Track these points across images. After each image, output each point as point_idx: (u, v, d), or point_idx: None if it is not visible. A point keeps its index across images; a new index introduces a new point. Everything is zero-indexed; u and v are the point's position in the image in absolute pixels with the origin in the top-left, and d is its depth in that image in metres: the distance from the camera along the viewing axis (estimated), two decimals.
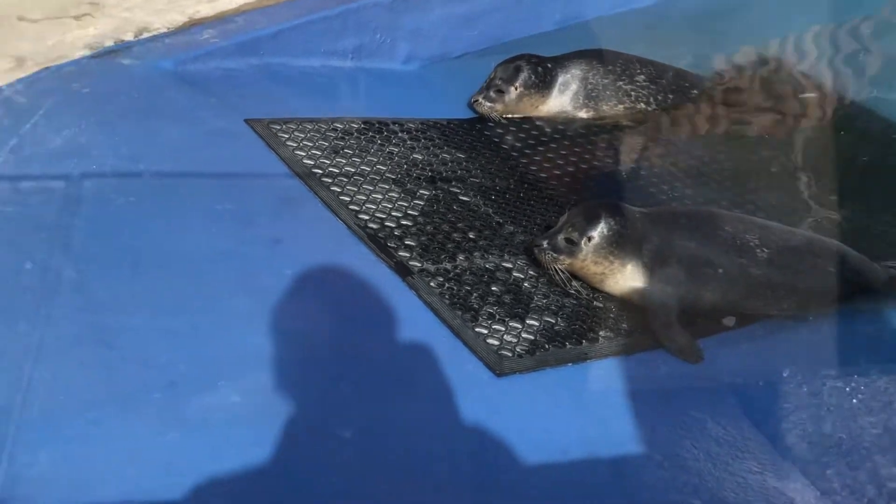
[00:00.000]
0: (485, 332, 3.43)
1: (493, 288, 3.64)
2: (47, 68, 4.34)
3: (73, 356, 2.99)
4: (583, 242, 3.61)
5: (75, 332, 3.08)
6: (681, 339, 3.52)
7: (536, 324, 3.50)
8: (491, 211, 4.08)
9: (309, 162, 4.10)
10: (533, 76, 4.77)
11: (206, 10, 4.89)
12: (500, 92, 4.74)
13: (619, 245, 3.62)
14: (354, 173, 4.11)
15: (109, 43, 4.56)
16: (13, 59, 4.38)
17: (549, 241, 3.66)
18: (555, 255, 3.65)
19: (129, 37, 4.62)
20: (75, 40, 4.56)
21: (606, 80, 4.92)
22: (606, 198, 4.03)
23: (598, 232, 3.61)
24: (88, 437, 2.75)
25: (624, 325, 3.60)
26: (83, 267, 3.32)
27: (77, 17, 4.75)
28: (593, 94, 4.89)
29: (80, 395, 2.88)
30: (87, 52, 4.48)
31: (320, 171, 4.06)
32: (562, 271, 3.67)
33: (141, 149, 3.93)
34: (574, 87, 4.88)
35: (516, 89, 4.74)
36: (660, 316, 3.58)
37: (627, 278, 3.64)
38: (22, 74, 4.27)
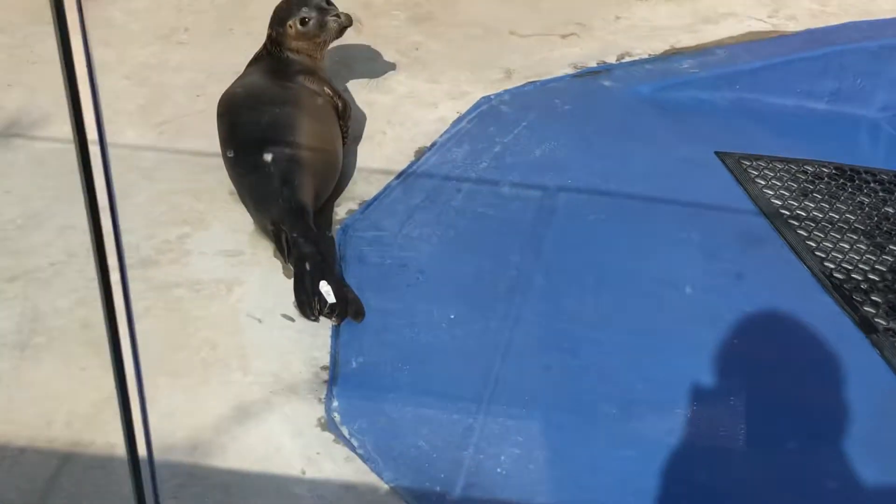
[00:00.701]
0: None
1: None
2: (532, 82, 4.55)
3: (537, 360, 3.12)
4: None
5: (541, 337, 3.21)
6: None
7: None
8: None
9: (776, 202, 4.03)
10: None
11: (687, 41, 4.94)
12: None
13: None
14: (822, 219, 3.99)
15: (592, 63, 4.72)
16: (503, 70, 4.64)
17: None
18: None
19: (611, 59, 4.76)
20: (560, 58, 4.75)
21: None
22: None
23: None
24: (548, 439, 2.85)
25: None
26: (552, 275, 3.46)
27: (563, 36, 4.95)
28: None
29: (541, 398, 2.99)
30: (569, 71, 4.66)
31: (787, 213, 3.98)
32: None
33: (613, 168, 4.03)
34: None
35: None
36: None
37: None
38: (509, 85, 4.51)
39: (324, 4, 3.90)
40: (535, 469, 2.76)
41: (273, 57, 3.95)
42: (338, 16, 3.88)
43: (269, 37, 3.96)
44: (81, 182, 1.11)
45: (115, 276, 1.18)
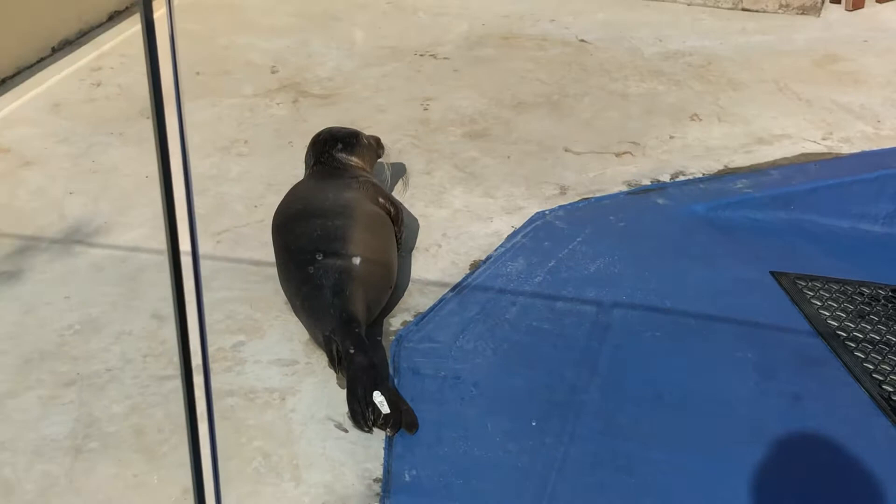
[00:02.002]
0: None
1: None
2: (587, 199, 4.59)
3: (592, 477, 3.07)
4: None
5: (596, 454, 3.16)
6: None
7: None
8: None
9: (833, 323, 3.99)
10: None
11: (741, 161, 4.96)
12: None
13: None
14: (879, 341, 3.94)
15: (646, 181, 4.75)
16: (557, 186, 4.68)
17: None
18: None
19: (665, 178, 4.78)
20: (615, 175, 4.79)
21: None
22: None
23: None
24: None
25: None
26: (607, 391, 3.43)
27: (618, 154, 4.99)
28: None
29: None
30: (624, 188, 4.69)
31: (844, 334, 3.93)
32: None
33: (668, 286, 4.02)
34: None
35: None
36: None
37: None
38: (564, 202, 4.54)
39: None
40: None
41: (328, 167, 4.05)
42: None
43: (325, 153, 4.08)
44: (172, 290, 1.12)
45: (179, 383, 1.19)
